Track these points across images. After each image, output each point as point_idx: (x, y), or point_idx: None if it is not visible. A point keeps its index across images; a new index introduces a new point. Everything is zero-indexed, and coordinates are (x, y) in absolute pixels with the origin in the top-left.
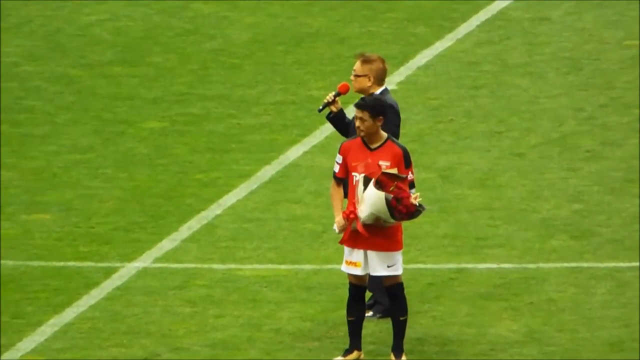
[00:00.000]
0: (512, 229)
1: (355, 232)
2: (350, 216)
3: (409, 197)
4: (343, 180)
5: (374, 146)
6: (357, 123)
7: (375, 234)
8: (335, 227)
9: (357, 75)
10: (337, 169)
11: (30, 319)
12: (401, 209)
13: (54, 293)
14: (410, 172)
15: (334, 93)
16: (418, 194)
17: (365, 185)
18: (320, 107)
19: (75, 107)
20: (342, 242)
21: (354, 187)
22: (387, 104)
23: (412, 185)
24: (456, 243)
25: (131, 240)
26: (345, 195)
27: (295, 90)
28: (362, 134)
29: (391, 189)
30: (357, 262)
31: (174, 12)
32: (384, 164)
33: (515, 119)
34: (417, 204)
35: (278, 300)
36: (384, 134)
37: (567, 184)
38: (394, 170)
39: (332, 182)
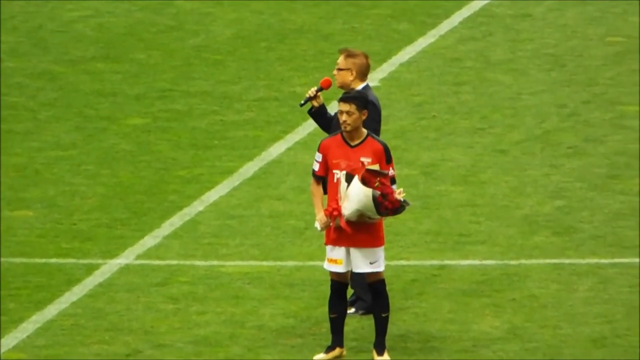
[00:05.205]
0: (495, 226)
1: (338, 229)
2: (334, 213)
3: (393, 192)
4: (323, 179)
5: (354, 143)
6: (344, 117)
7: (358, 231)
8: (317, 225)
9: (340, 69)
10: (316, 167)
11: (12, 316)
12: (387, 204)
13: (36, 290)
14: (391, 168)
15: (316, 88)
16: (402, 189)
17: (348, 182)
18: (302, 102)
19: (58, 104)
20: (327, 242)
21: (336, 185)
22: (369, 100)
23: (393, 181)
24: (439, 239)
25: (113, 237)
26: (325, 193)
27: (279, 86)
28: (348, 127)
29: (375, 185)
30: (339, 260)
31: (157, 9)
32: (366, 161)
33: (497, 115)
34: (402, 200)
35: (261, 297)
36: (364, 131)
37: (550, 180)
38: (376, 167)
39: (312, 180)
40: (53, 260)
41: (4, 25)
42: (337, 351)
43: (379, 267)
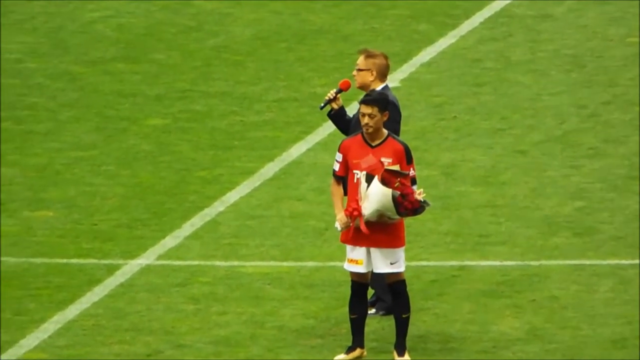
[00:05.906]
0: (515, 226)
1: (357, 229)
2: (354, 213)
3: (413, 193)
4: (343, 179)
5: (375, 143)
6: (366, 120)
7: (378, 231)
8: (338, 225)
9: (359, 70)
10: (337, 167)
11: (33, 316)
12: (407, 204)
13: (57, 290)
14: (411, 169)
15: (335, 90)
16: (422, 190)
17: (368, 182)
18: (322, 105)
19: (78, 104)
20: (343, 240)
21: (356, 185)
22: (390, 101)
23: (413, 181)
24: (459, 240)
25: (134, 237)
26: (345, 193)
27: (298, 87)
28: (370, 130)
29: (395, 185)
30: (359, 260)
31: (177, 9)
32: (386, 161)
33: (517, 116)
34: (422, 200)
35: (281, 298)
36: (385, 131)
37: (570, 181)
38: (396, 167)
39: (332, 181)
40: (74, 260)
41: (24, 25)
42: (357, 352)
43: (400, 268)
